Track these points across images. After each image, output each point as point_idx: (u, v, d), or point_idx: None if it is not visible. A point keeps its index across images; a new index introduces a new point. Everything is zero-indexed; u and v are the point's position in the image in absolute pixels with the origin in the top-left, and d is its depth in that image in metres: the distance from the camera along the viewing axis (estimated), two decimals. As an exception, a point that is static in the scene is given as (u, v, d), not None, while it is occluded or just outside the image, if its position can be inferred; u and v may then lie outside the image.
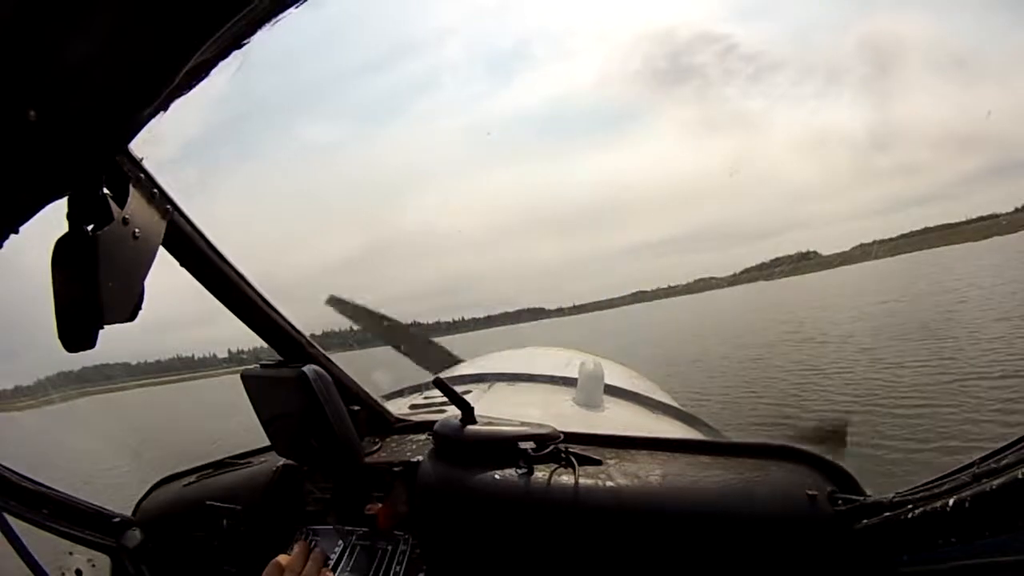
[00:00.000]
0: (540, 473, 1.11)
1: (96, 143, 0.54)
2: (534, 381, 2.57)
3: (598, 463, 1.10)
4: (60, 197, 0.62)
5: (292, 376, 1.18)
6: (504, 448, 1.18)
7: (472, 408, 1.28)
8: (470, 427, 1.25)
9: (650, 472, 1.03)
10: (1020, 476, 0.65)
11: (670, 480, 1.00)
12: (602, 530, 0.99)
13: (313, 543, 1.21)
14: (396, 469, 1.29)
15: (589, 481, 1.04)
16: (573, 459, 1.11)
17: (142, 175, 0.88)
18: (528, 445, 1.17)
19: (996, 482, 0.68)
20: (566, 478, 1.07)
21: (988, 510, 0.70)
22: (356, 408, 1.36)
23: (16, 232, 0.55)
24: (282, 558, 1.00)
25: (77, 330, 0.70)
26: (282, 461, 1.49)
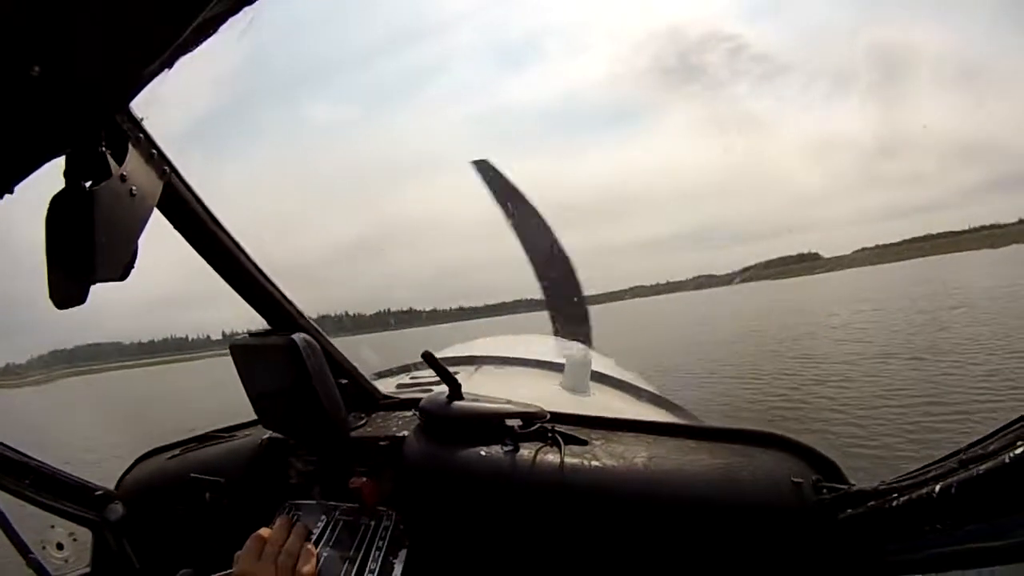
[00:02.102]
0: (526, 451, 1.11)
1: (98, 100, 0.54)
2: (522, 365, 2.57)
3: (584, 443, 1.10)
4: (59, 155, 0.62)
5: (281, 344, 1.17)
6: (490, 425, 1.18)
7: (459, 385, 1.28)
8: (456, 403, 1.25)
9: (636, 454, 1.03)
10: (1007, 461, 0.64)
11: (656, 462, 1.00)
12: (586, 509, 0.99)
13: (295, 517, 1.19)
14: (382, 444, 1.28)
15: (575, 460, 1.04)
16: (559, 438, 1.11)
17: (141, 135, 0.89)
18: (514, 423, 1.18)
19: (983, 467, 0.67)
20: (552, 457, 1.07)
21: (974, 496, 0.69)
22: (344, 382, 1.35)
23: (11, 192, 0.54)
24: (264, 531, 1.00)
25: (68, 286, 0.70)
26: (268, 434, 1.48)
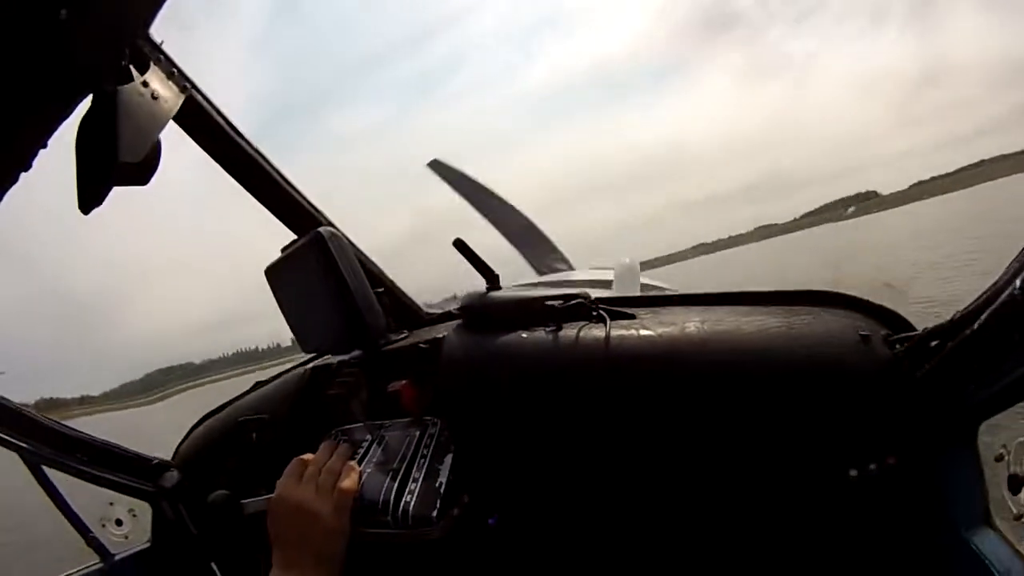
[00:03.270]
0: (569, 330, 1.02)
1: (121, 29, 0.57)
2: (573, 286, 2.46)
3: (631, 317, 1.01)
4: (87, 95, 0.67)
5: (307, 241, 1.14)
6: (531, 309, 1.09)
7: (497, 275, 1.19)
8: (495, 293, 1.17)
9: (687, 321, 0.94)
10: None
11: (709, 326, 0.91)
12: (636, 381, 0.90)
13: (340, 440, 1.13)
14: (422, 346, 1.21)
15: (622, 332, 0.95)
16: (604, 313, 1.02)
17: (162, 56, 0.97)
18: (556, 303, 1.08)
19: None
20: (597, 331, 0.98)
21: None
22: (380, 290, 1.28)
23: (44, 147, 0.57)
24: (306, 456, 0.97)
25: (92, 188, 0.76)
26: (311, 365, 1.44)
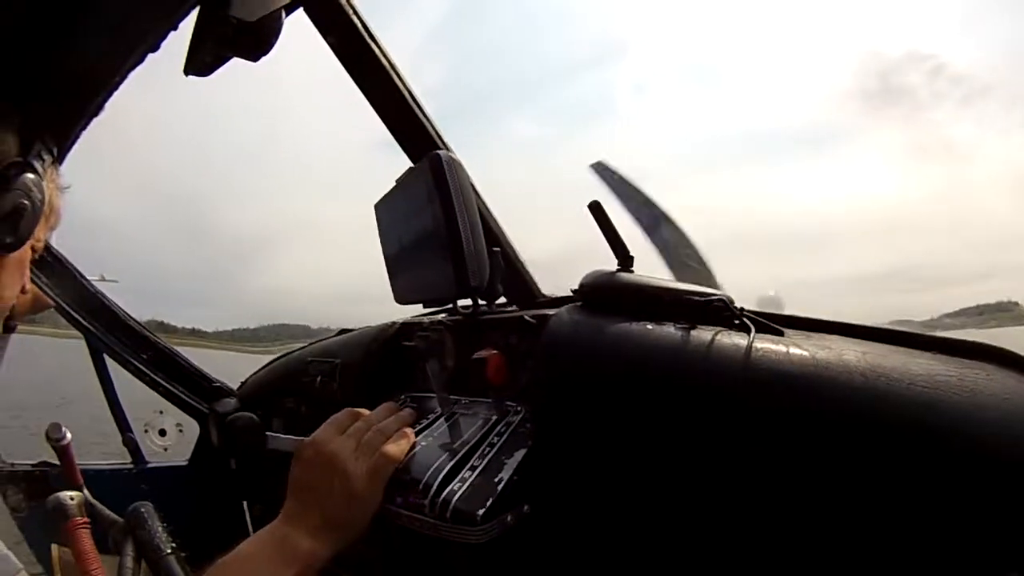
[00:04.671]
0: (704, 332, 0.82)
1: None
2: None
3: (779, 333, 0.81)
4: None
5: (421, 166, 0.97)
6: (664, 299, 0.90)
7: (632, 256, 1.00)
8: (624, 274, 0.97)
9: (844, 349, 0.76)
10: None
11: (871, 359, 0.73)
12: (780, 404, 0.72)
13: (405, 406, 0.96)
14: (529, 320, 1.03)
15: (768, 346, 0.77)
16: (748, 322, 0.81)
17: None
18: (695, 298, 0.88)
19: None
20: (738, 340, 0.79)
21: None
22: (496, 249, 1.09)
23: (175, 28, 0.61)
24: (360, 410, 0.84)
25: (202, 49, 0.76)
26: (402, 320, 1.30)
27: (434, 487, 0.77)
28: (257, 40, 0.84)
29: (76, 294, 1.35)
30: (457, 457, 0.81)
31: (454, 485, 0.77)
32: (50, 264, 1.32)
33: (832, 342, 0.81)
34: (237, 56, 0.85)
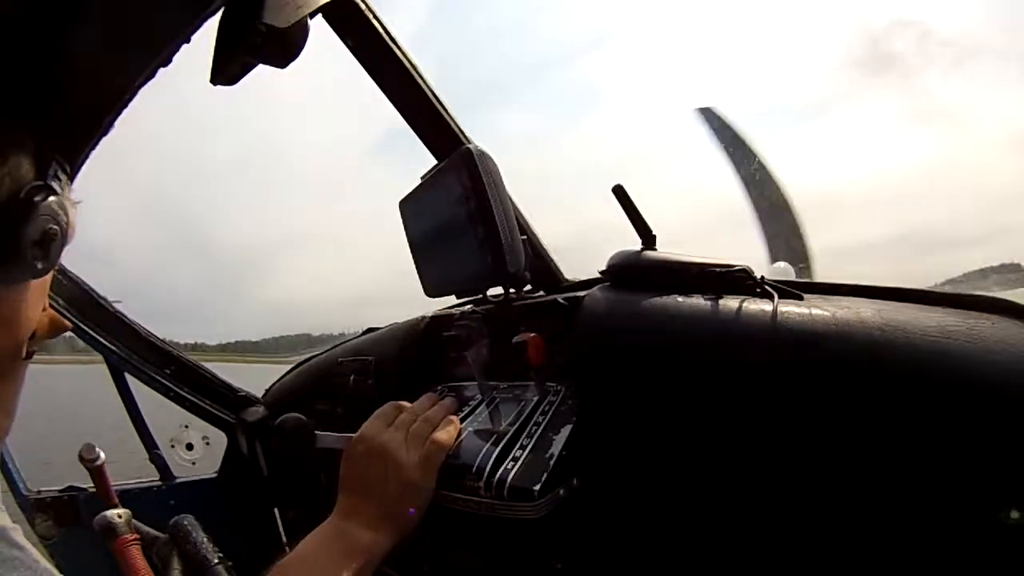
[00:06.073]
0: (730, 301, 0.88)
1: None
2: None
3: (799, 298, 0.86)
4: None
5: (452, 159, 0.99)
6: (689, 272, 0.95)
7: (655, 235, 1.04)
8: (649, 252, 1.01)
9: (860, 308, 0.81)
10: None
11: (886, 315, 0.79)
12: (805, 364, 0.77)
13: (445, 395, 1.00)
14: (562, 302, 1.06)
15: (791, 309, 0.82)
16: (770, 289, 0.87)
17: None
18: (718, 269, 0.93)
19: None
20: (763, 305, 0.84)
21: None
22: (524, 238, 1.11)
23: (188, 41, 0.55)
24: (403, 402, 0.86)
25: (227, 56, 0.71)
26: (432, 313, 1.31)
27: (487, 469, 0.78)
28: (285, 46, 0.84)
29: (93, 313, 1.34)
30: (506, 438, 0.83)
31: (507, 464, 0.79)
32: (64, 285, 1.30)
33: (849, 303, 0.85)
34: (266, 64, 0.85)
